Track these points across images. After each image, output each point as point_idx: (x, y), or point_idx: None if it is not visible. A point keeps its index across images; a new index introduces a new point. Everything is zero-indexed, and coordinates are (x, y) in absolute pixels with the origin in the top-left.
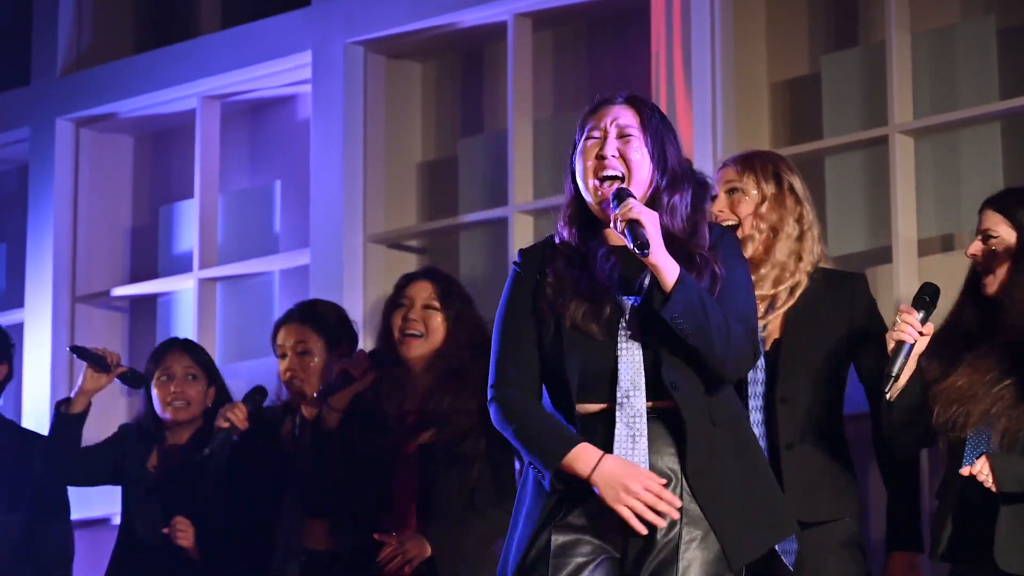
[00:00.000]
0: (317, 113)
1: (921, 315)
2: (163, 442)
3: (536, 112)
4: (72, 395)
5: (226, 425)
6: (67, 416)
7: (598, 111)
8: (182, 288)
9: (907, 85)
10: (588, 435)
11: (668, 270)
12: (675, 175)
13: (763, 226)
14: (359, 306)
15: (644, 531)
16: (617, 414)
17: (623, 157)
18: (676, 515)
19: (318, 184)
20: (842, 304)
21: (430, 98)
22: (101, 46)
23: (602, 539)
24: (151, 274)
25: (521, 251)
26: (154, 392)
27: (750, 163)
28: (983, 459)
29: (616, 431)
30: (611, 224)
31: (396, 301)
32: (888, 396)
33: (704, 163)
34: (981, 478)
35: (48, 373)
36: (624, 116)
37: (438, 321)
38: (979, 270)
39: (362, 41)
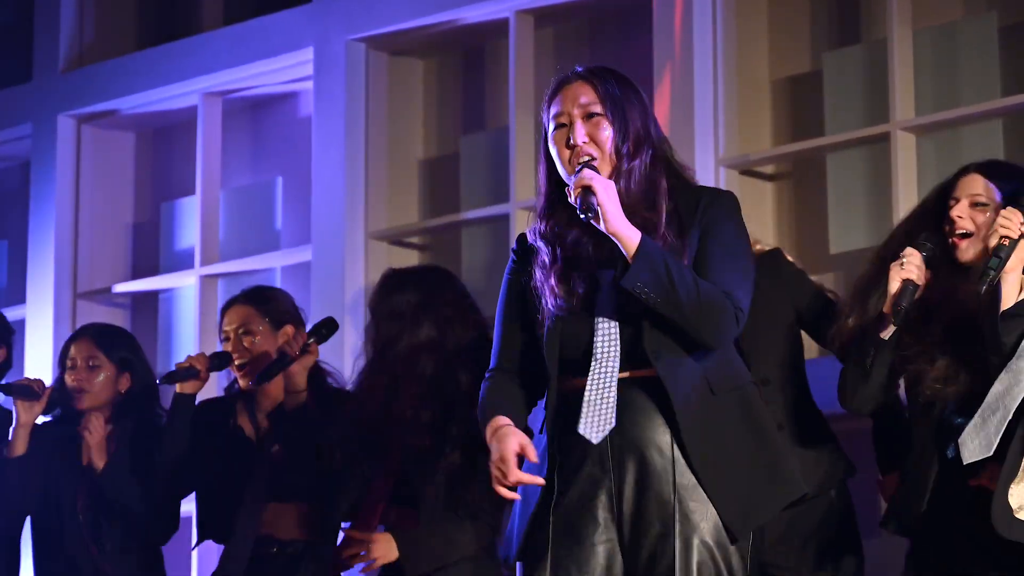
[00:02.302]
0: (319, 110)
1: (924, 255)
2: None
3: (538, 109)
4: (10, 437)
5: (185, 365)
6: (11, 460)
7: (559, 93)
8: (184, 285)
9: (909, 82)
10: (570, 411)
11: (628, 238)
12: (638, 138)
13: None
14: (360, 303)
15: (511, 496)
16: (587, 386)
17: (593, 140)
18: (511, 495)
19: (320, 181)
20: (773, 282)
21: (432, 95)
22: (103, 43)
23: (598, 517)
24: (153, 270)
25: (519, 236)
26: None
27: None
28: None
29: (584, 402)
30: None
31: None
32: (894, 322)
33: (705, 160)
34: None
35: (50, 369)
36: (585, 94)
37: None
38: (957, 232)
39: (364, 38)
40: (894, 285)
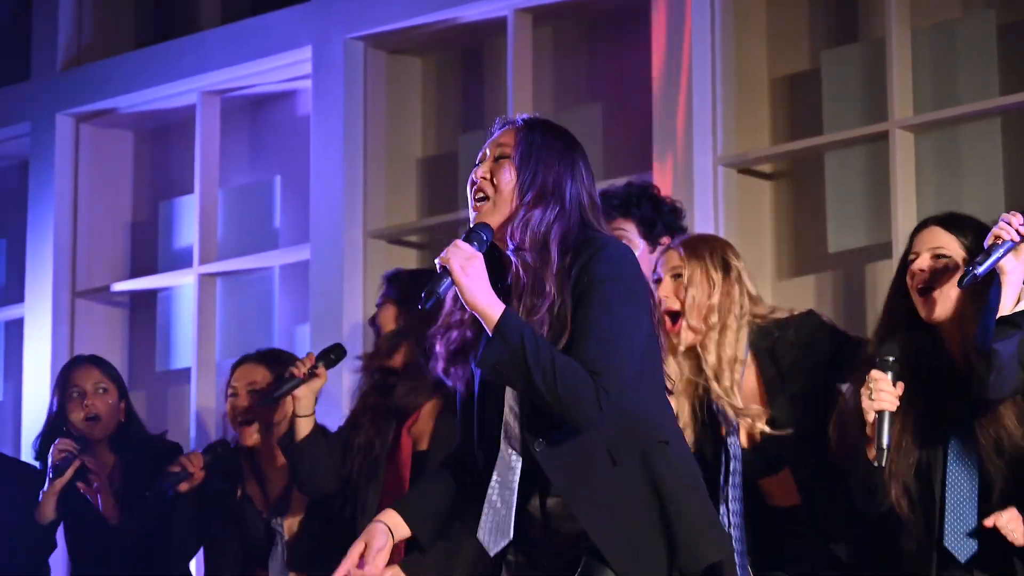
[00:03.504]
0: (317, 109)
1: (890, 376)
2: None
3: (536, 108)
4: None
5: (177, 469)
6: (42, 526)
7: (492, 135)
8: (182, 283)
9: (907, 81)
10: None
11: (488, 314)
12: (543, 190)
13: (714, 319)
14: (359, 302)
15: None
16: (491, 483)
17: (493, 179)
18: None
19: (318, 180)
20: (806, 345)
21: (430, 93)
22: (101, 41)
23: None
24: (151, 269)
25: None
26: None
27: (697, 249)
28: (1012, 512)
29: (486, 501)
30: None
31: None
32: (880, 464)
33: (704, 159)
34: (1007, 531)
35: (48, 368)
36: (506, 137)
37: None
38: (919, 288)
39: (362, 37)
40: (870, 417)
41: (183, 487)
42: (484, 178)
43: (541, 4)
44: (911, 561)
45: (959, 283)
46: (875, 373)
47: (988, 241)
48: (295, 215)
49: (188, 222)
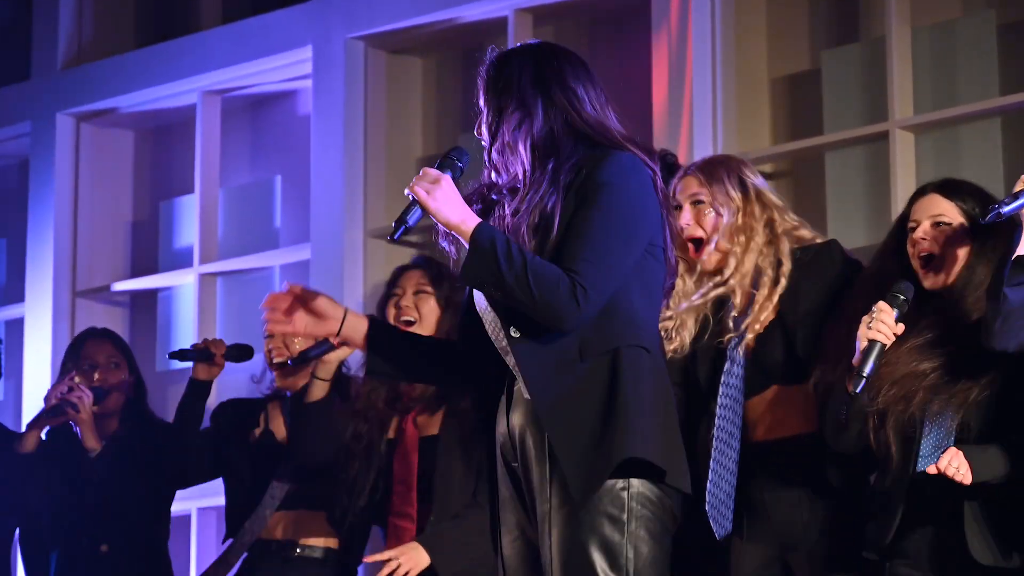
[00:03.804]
0: (318, 108)
1: (896, 313)
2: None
3: None
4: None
5: (201, 346)
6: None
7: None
8: (182, 283)
9: (907, 80)
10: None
11: (461, 229)
12: (507, 111)
13: (741, 238)
14: (359, 301)
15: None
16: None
17: (484, 130)
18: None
19: (319, 179)
20: (821, 274)
21: (431, 93)
22: (102, 41)
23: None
24: (151, 269)
25: None
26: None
27: (714, 172)
28: (953, 452)
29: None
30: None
31: (388, 293)
32: (851, 390)
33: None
34: (951, 472)
35: (48, 367)
36: (482, 83)
37: (431, 305)
38: (921, 255)
39: (363, 36)
40: (862, 343)
41: (201, 372)
42: (479, 134)
43: (541, 4)
44: (884, 495)
45: (982, 217)
46: (882, 304)
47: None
48: (295, 215)
49: (188, 222)
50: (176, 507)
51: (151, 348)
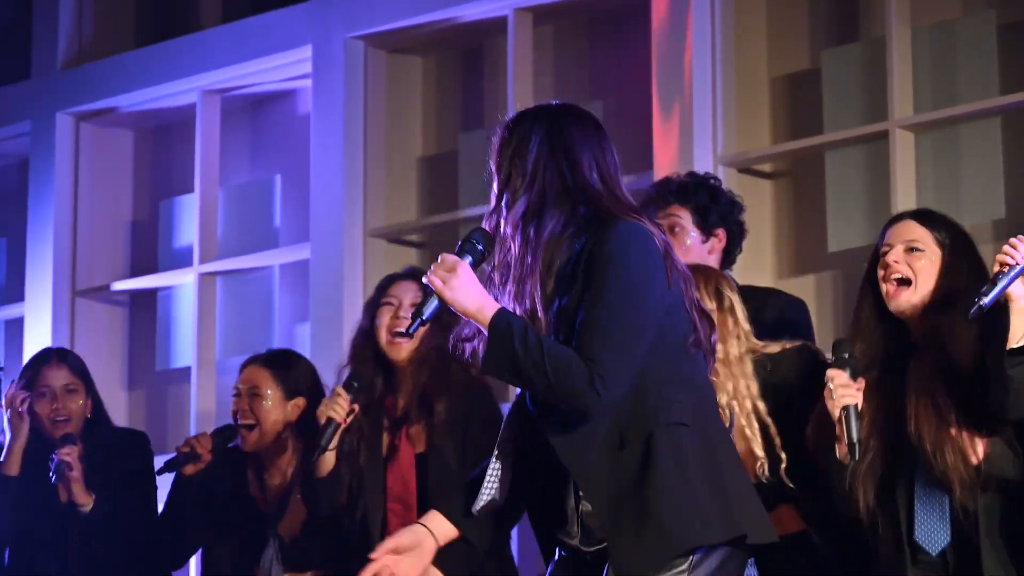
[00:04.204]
0: (317, 108)
1: (848, 372)
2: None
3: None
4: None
5: (186, 450)
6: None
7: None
8: (182, 282)
9: (907, 80)
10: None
11: (478, 318)
12: (516, 183)
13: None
14: (359, 301)
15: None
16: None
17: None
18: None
19: (318, 179)
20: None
21: (430, 92)
22: (102, 40)
23: None
24: (151, 268)
25: None
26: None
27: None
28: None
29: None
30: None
31: (379, 300)
32: (847, 461)
33: (704, 158)
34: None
35: None
36: (495, 145)
37: None
38: (893, 277)
39: (362, 36)
40: (836, 415)
41: (189, 469)
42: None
43: (541, 3)
44: (884, 562)
45: (967, 316)
46: (831, 372)
47: (995, 268)
48: (295, 214)
49: (188, 221)
50: None
51: (151, 347)
